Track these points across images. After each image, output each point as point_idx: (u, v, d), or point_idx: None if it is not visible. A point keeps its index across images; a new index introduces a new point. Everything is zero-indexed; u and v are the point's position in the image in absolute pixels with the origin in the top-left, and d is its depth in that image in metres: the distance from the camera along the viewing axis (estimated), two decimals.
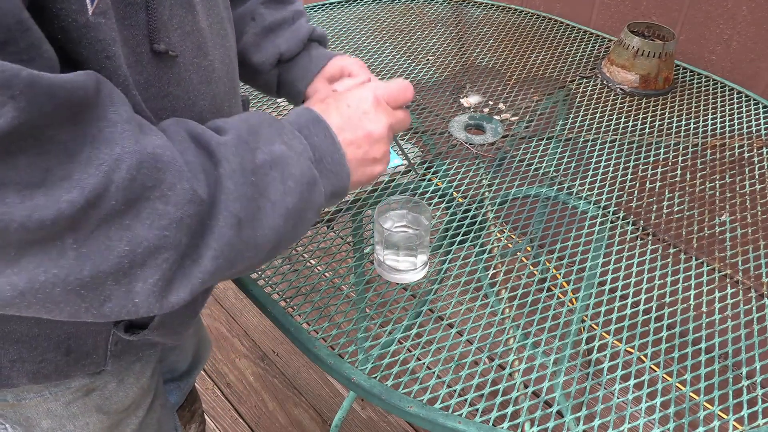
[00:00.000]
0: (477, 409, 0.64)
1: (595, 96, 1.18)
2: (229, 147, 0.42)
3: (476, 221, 0.88)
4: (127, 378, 0.66)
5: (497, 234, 0.89)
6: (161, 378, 0.78)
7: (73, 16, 0.36)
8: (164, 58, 0.45)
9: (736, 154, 1.04)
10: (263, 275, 0.78)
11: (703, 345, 0.72)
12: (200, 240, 0.39)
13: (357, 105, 0.52)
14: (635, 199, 0.93)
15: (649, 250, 0.84)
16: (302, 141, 0.47)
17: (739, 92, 1.21)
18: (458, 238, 0.85)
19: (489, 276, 0.85)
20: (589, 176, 0.98)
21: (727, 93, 1.21)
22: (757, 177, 0.98)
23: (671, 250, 0.85)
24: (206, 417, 1.46)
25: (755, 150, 1.05)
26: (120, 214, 0.35)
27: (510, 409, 0.65)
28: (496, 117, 1.10)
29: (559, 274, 0.83)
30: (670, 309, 0.76)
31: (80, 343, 0.55)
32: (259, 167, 0.43)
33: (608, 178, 0.97)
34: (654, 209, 0.92)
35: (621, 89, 1.19)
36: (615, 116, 1.12)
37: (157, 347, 0.64)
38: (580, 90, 1.20)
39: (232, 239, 0.41)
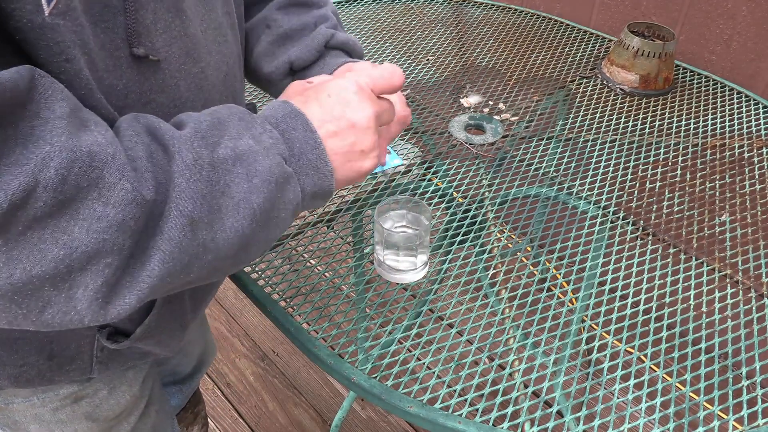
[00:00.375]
0: (477, 409, 0.64)
1: (595, 96, 1.18)
2: (184, 141, 0.39)
3: (476, 221, 0.88)
4: (119, 386, 0.65)
5: (497, 234, 0.89)
6: (158, 383, 0.77)
7: (28, 17, 0.34)
8: (145, 62, 0.43)
9: (736, 154, 1.04)
10: (263, 275, 0.78)
11: (703, 345, 0.72)
12: (147, 242, 0.37)
13: (338, 94, 0.47)
14: (635, 199, 0.93)
15: (649, 250, 0.84)
16: (273, 135, 0.44)
17: (739, 92, 1.21)
18: (458, 238, 0.85)
19: (489, 276, 0.85)
20: (589, 176, 0.98)
21: (727, 93, 1.21)
22: (757, 177, 0.98)
23: (671, 250, 0.85)
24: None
25: (755, 150, 1.05)
26: (51, 216, 0.33)
27: (510, 409, 0.65)
28: (496, 117, 1.10)
29: (559, 274, 0.83)
30: (670, 309, 0.76)
31: (63, 348, 0.53)
32: (219, 162, 0.40)
33: (608, 178, 0.97)
34: (654, 209, 0.92)
35: (621, 89, 1.19)
36: (615, 116, 1.12)
37: (148, 357, 0.62)
38: (580, 90, 1.20)
39: (184, 241, 0.38)
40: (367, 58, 1.27)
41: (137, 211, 0.36)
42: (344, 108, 0.47)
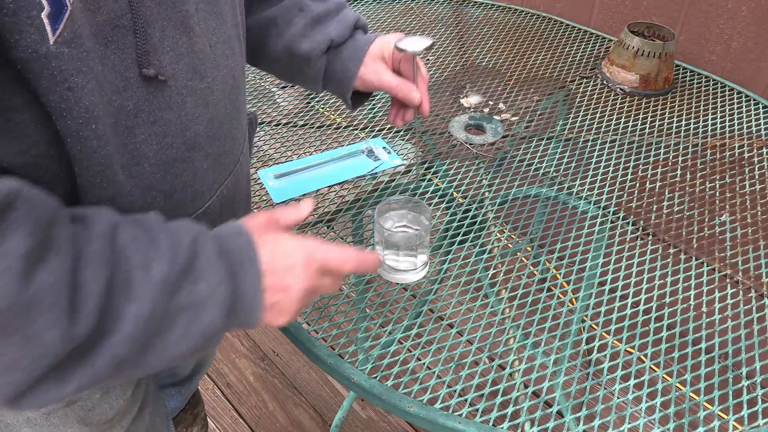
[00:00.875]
0: (477, 409, 0.64)
1: (595, 96, 1.18)
2: (151, 286, 0.40)
3: (476, 221, 0.88)
4: (112, 390, 0.64)
5: (497, 234, 0.89)
6: (152, 386, 0.76)
7: (32, 46, 0.34)
8: (154, 82, 0.44)
9: (736, 154, 1.04)
10: None
11: (703, 345, 0.72)
12: (68, 367, 0.37)
13: (290, 255, 0.49)
14: (635, 199, 0.93)
15: (649, 250, 0.84)
16: (229, 286, 0.44)
17: (739, 92, 1.21)
18: (458, 238, 0.85)
19: (489, 276, 0.85)
20: (589, 176, 0.98)
21: (727, 93, 1.21)
22: (757, 177, 0.98)
23: (671, 250, 0.85)
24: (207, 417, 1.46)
25: (755, 150, 1.05)
26: None
27: (510, 409, 0.65)
28: (496, 117, 1.10)
29: (559, 274, 0.83)
30: (670, 309, 0.76)
31: None
32: (171, 311, 0.41)
33: (608, 178, 0.97)
34: (654, 209, 0.92)
35: (621, 89, 1.19)
36: (615, 116, 1.12)
37: None
38: (580, 90, 1.20)
39: (105, 373, 0.39)
40: None
41: (61, 350, 0.36)
42: (287, 270, 0.48)
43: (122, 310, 0.39)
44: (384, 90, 0.72)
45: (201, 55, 0.49)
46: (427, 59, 1.29)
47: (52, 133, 0.39)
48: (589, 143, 1.05)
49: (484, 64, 1.28)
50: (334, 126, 1.09)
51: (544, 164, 0.99)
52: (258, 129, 1.09)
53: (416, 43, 0.68)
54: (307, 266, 0.49)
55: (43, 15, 0.34)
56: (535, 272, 0.83)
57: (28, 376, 0.36)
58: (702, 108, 1.16)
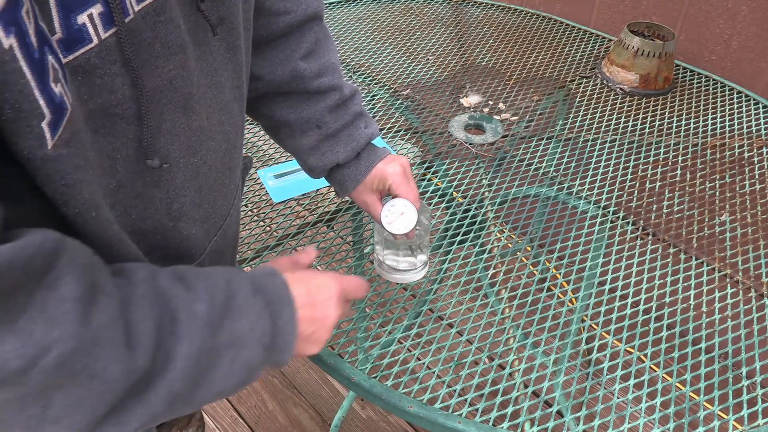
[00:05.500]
0: (477, 409, 0.64)
1: (595, 96, 1.18)
2: (197, 324, 0.41)
3: (476, 221, 0.88)
4: None
5: (497, 234, 0.89)
6: None
7: (30, 151, 0.33)
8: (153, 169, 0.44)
9: (736, 154, 1.04)
10: None
11: (703, 345, 0.72)
12: (130, 405, 0.39)
13: (325, 287, 0.53)
14: (635, 199, 0.93)
15: (649, 250, 0.84)
16: (266, 324, 0.46)
17: (739, 92, 1.21)
18: (458, 238, 0.85)
19: (489, 276, 0.85)
20: (589, 176, 0.98)
21: (727, 93, 1.21)
22: (757, 177, 0.98)
23: (671, 250, 0.85)
24: (206, 417, 1.46)
25: (755, 150, 1.05)
26: (36, 393, 0.34)
27: (510, 409, 0.65)
28: (496, 117, 1.10)
29: (559, 274, 0.83)
30: (670, 309, 0.76)
31: None
32: (216, 348, 0.42)
33: (608, 178, 0.97)
34: (654, 209, 0.92)
35: (621, 89, 1.19)
36: (615, 116, 1.12)
37: None
38: (580, 90, 1.20)
39: (160, 410, 0.40)
40: (367, 58, 1.27)
41: (121, 385, 0.37)
42: (325, 302, 0.52)
43: (173, 348, 0.40)
44: None
45: (198, 132, 0.48)
46: (428, 59, 1.29)
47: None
48: (589, 143, 1.05)
49: (483, 64, 1.28)
50: None
51: (544, 164, 0.99)
52: (258, 129, 1.08)
53: (402, 223, 0.69)
54: (339, 297, 0.53)
55: (44, 123, 0.33)
56: (535, 272, 0.83)
57: (92, 415, 0.37)
58: (702, 108, 1.16)
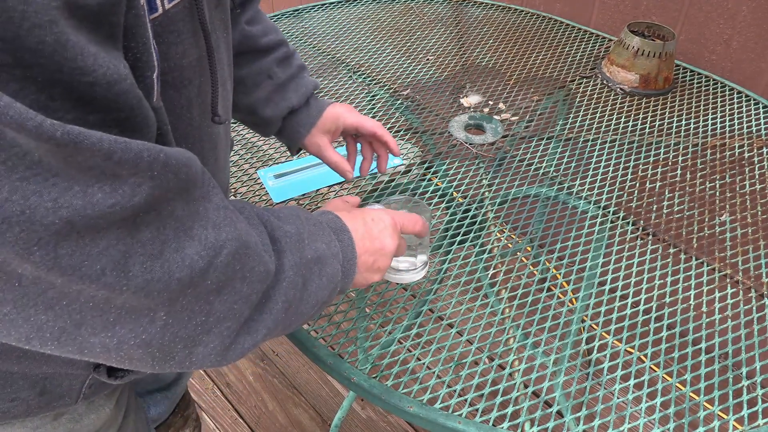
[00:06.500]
0: (477, 409, 0.64)
1: (595, 96, 1.18)
2: (291, 240, 0.47)
3: (476, 221, 0.88)
4: (97, 399, 0.64)
5: (497, 234, 0.89)
6: (133, 395, 0.75)
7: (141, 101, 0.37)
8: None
9: (736, 154, 1.03)
10: None
11: (703, 345, 0.72)
12: (259, 315, 0.43)
13: (379, 220, 0.59)
14: (635, 199, 0.93)
15: (649, 250, 0.84)
16: (336, 244, 0.52)
17: (739, 92, 1.21)
18: (458, 238, 0.85)
19: (489, 276, 0.85)
20: (589, 176, 0.98)
21: (727, 93, 1.21)
22: (757, 177, 0.98)
23: (671, 250, 0.85)
24: (206, 417, 1.46)
25: (755, 150, 1.05)
26: (209, 292, 0.38)
27: (510, 409, 0.65)
28: (496, 117, 1.10)
29: (559, 274, 0.83)
30: (670, 309, 0.76)
31: (55, 385, 0.53)
32: (308, 262, 0.48)
33: (608, 178, 0.97)
34: (654, 209, 0.92)
35: (621, 89, 1.19)
36: (615, 116, 1.12)
37: (138, 382, 0.63)
38: (580, 90, 1.20)
39: (280, 318, 0.45)
40: (367, 58, 1.27)
41: (262, 287, 0.42)
42: (382, 231, 0.58)
43: (281, 260, 0.45)
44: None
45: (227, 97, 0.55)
46: (427, 59, 1.29)
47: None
48: (589, 143, 1.05)
49: (484, 64, 1.28)
50: None
51: (544, 164, 0.99)
52: None
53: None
54: (394, 228, 0.60)
55: (154, 75, 0.37)
56: (535, 272, 0.83)
57: (238, 322, 0.41)
58: (702, 108, 1.16)
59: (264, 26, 0.76)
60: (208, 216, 0.38)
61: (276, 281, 0.44)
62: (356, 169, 0.84)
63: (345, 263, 0.53)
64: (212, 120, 0.49)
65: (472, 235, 0.86)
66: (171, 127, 0.44)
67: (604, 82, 1.22)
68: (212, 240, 0.37)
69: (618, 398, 0.68)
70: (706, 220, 0.90)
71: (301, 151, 0.84)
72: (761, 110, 1.15)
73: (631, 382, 0.69)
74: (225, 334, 0.40)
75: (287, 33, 1.38)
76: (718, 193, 0.95)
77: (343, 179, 0.95)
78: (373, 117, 1.12)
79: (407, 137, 1.06)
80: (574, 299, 0.80)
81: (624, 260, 0.83)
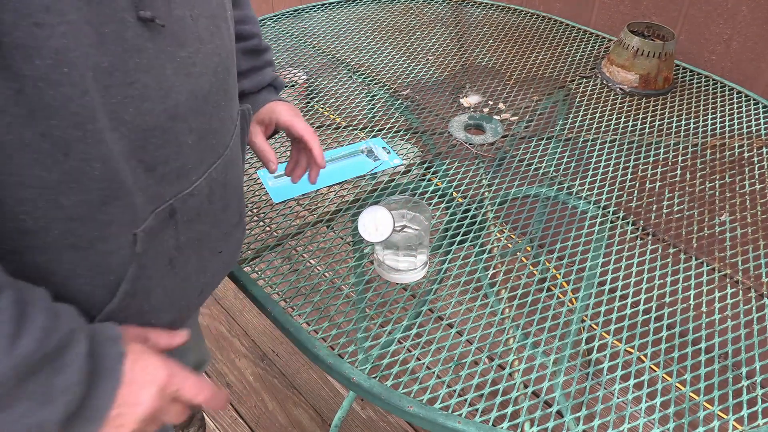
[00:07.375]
0: (477, 409, 0.64)
1: (595, 96, 1.18)
2: (9, 360, 0.40)
3: (476, 221, 0.88)
4: None
5: (497, 234, 0.89)
6: None
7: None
8: (130, 42, 0.43)
9: (736, 154, 1.03)
10: (263, 275, 0.78)
11: (703, 345, 0.72)
12: None
13: (151, 371, 0.49)
14: (635, 199, 0.93)
15: (649, 250, 0.84)
16: (84, 390, 0.44)
17: (739, 92, 1.21)
18: (458, 238, 0.85)
19: (489, 276, 0.85)
20: (589, 176, 0.98)
21: (727, 93, 1.21)
22: (757, 177, 0.98)
23: (671, 250, 0.85)
24: (206, 417, 1.46)
25: (755, 150, 1.05)
26: None
27: (510, 409, 0.65)
28: (496, 117, 1.10)
29: (559, 274, 0.83)
30: (670, 309, 0.76)
31: None
32: (19, 391, 0.41)
33: (608, 178, 0.97)
34: (654, 209, 0.92)
35: (621, 89, 1.19)
36: (615, 116, 1.12)
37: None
38: (580, 90, 1.20)
39: None
40: (367, 58, 1.27)
41: None
42: (142, 386, 0.47)
43: None
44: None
45: (181, 23, 0.48)
46: (427, 59, 1.29)
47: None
48: (589, 143, 1.05)
49: (483, 64, 1.28)
50: (334, 126, 1.09)
51: (543, 164, 0.99)
52: None
53: (378, 231, 0.73)
54: (163, 388, 0.49)
55: None
56: (535, 272, 0.83)
57: None
58: (702, 108, 1.16)
59: (245, 14, 0.77)
60: None
61: None
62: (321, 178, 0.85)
63: (84, 412, 0.44)
64: (137, 15, 0.43)
65: (471, 235, 0.86)
66: (99, 35, 0.41)
67: (604, 82, 1.22)
68: None
69: (618, 398, 0.68)
70: (706, 220, 0.90)
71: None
72: (761, 110, 1.15)
73: (631, 382, 0.69)
74: None
75: (287, 33, 1.38)
76: (717, 193, 0.95)
77: (343, 179, 0.96)
78: (373, 117, 1.12)
79: (407, 137, 1.06)
80: (573, 299, 0.80)
81: (624, 260, 0.83)
